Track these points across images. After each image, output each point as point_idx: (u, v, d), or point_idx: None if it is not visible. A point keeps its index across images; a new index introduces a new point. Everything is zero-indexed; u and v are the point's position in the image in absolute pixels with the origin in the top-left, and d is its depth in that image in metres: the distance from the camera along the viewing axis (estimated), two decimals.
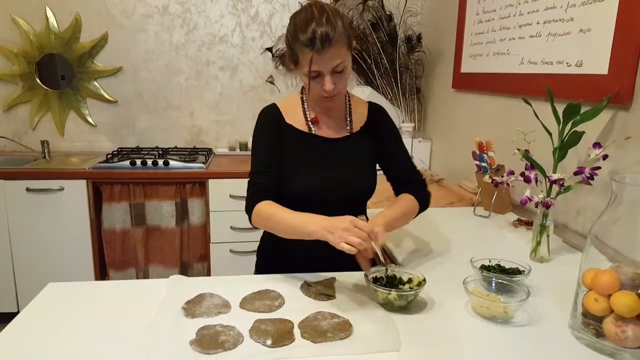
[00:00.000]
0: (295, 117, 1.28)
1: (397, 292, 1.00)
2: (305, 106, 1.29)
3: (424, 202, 1.31)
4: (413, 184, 1.33)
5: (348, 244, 0.97)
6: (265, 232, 1.35)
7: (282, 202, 1.20)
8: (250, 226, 1.22)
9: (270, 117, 1.28)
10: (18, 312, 0.99)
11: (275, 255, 1.33)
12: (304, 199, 1.22)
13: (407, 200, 1.27)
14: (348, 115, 1.31)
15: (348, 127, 1.30)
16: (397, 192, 1.34)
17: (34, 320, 0.98)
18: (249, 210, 1.22)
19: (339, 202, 1.23)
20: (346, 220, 1.01)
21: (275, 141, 1.25)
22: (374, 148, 1.32)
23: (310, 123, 1.28)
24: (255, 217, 1.19)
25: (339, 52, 1.12)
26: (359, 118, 1.32)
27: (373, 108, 1.36)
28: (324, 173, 1.24)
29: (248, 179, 1.24)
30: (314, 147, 1.26)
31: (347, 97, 1.32)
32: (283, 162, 1.24)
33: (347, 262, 1.16)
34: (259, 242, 1.42)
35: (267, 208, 1.18)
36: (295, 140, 1.26)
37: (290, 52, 1.17)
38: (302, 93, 1.32)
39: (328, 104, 1.24)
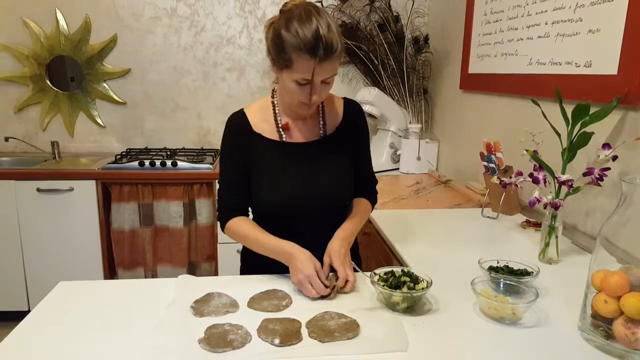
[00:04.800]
0: (264, 124, 1.22)
1: (395, 293, 1.01)
2: (277, 111, 1.22)
3: (374, 204, 1.38)
4: (369, 188, 1.36)
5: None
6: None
7: (260, 215, 1.23)
8: None
9: (236, 129, 1.22)
10: (29, 310, 1.00)
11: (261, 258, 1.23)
12: (281, 212, 1.20)
13: (366, 207, 1.32)
14: (321, 119, 1.24)
15: (321, 131, 1.24)
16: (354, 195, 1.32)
17: (45, 318, 0.99)
18: (221, 221, 1.25)
19: (318, 209, 1.20)
20: (310, 268, 1.08)
21: (241, 156, 1.20)
22: (350, 149, 1.27)
23: (281, 130, 1.21)
24: (228, 232, 1.24)
25: (336, 63, 1.08)
26: (334, 118, 1.27)
27: (349, 106, 1.29)
28: (299, 182, 1.19)
29: (218, 188, 1.26)
30: (286, 156, 1.20)
31: None
32: (253, 174, 1.20)
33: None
34: (242, 248, 1.34)
35: (241, 227, 1.21)
36: (265, 150, 1.20)
37: (280, 53, 1.06)
38: (272, 97, 1.24)
39: (306, 111, 1.17)
